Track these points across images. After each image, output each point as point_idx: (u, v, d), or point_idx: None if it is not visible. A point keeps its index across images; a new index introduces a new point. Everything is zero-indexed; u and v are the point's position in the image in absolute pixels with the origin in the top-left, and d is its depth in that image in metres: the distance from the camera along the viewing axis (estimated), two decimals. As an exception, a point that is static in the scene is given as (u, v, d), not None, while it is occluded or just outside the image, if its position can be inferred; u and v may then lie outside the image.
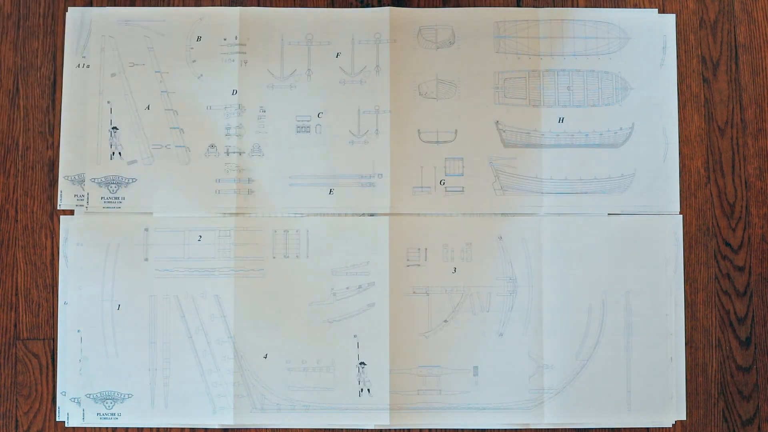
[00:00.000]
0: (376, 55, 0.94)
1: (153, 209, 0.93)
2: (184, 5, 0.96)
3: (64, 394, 0.91)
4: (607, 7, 0.96)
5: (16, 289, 0.93)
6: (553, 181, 0.93)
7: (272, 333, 0.92)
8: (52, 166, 0.94)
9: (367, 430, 0.92)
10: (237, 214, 0.93)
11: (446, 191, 0.93)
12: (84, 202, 0.93)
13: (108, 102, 0.93)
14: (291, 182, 0.93)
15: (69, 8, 0.95)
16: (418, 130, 0.93)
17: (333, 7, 0.96)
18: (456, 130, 0.93)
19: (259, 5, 0.95)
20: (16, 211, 0.94)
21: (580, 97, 0.94)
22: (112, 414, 0.91)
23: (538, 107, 0.94)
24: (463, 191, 0.93)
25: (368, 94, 0.94)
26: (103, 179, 0.93)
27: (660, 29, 0.95)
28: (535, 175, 0.93)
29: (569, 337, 0.92)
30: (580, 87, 0.94)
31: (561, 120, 0.94)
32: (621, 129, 0.94)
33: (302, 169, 0.93)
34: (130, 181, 0.93)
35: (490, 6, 0.96)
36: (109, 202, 0.93)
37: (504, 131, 0.93)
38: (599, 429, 0.92)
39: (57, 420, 0.92)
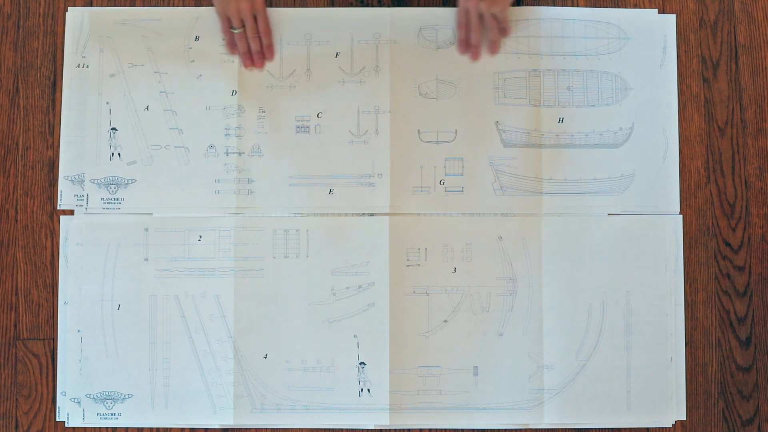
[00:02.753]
0: (376, 55, 0.94)
1: (153, 209, 0.93)
2: (184, 5, 0.95)
3: (64, 394, 0.91)
4: (607, 7, 0.96)
5: (16, 289, 0.93)
6: (553, 182, 0.93)
7: (272, 333, 0.92)
8: (52, 166, 0.94)
9: (367, 430, 0.92)
10: (237, 214, 0.93)
11: (446, 191, 0.93)
12: (84, 203, 0.92)
13: (107, 103, 0.93)
14: (291, 182, 0.93)
15: (69, 8, 0.95)
16: (418, 130, 0.93)
17: (333, 6, 0.95)
18: (456, 130, 0.93)
19: None
20: (16, 211, 0.94)
21: (580, 98, 0.94)
22: (112, 414, 0.91)
23: (538, 107, 0.94)
24: (462, 191, 0.93)
25: (368, 94, 0.94)
26: (103, 180, 0.93)
27: (660, 29, 0.95)
28: (534, 175, 0.93)
29: (569, 337, 0.92)
30: (580, 87, 0.94)
31: (561, 120, 0.93)
32: (621, 129, 0.93)
33: (302, 169, 0.93)
34: (130, 182, 0.93)
35: (490, 6, 0.95)
36: (108, 203, 0.92)
37: (504, 131, 0.93)
38: (599, 429, 0.92)
39: (57, 420, 0.92)
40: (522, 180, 0.93)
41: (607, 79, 0.94)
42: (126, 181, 0.92)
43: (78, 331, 0.91)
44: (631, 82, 0.94)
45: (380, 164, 0.93)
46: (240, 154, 0.93)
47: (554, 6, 0.95)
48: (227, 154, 0.93)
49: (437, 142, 0.93)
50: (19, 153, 0.94)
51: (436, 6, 0.96)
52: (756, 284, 0.94)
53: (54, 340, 0.92)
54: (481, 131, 0.93)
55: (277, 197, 0.93)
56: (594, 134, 0.94)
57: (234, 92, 0.93)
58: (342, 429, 0.92)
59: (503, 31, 0.92)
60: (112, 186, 0.92)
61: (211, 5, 0.95)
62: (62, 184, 0.93)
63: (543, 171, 0.93)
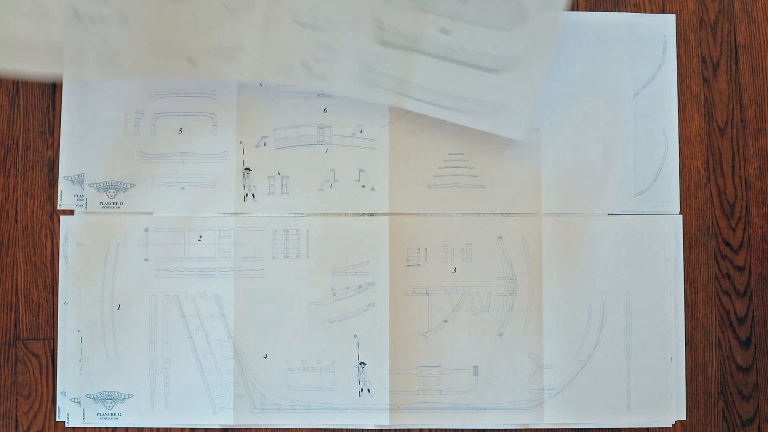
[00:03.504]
0: None
1: (153, 209, 0.93)
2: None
3: (64, 394, 0.91)
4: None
5: (16, 289, 0.93)
6: (417, 88, 0.88)
7: (272, 333, 0.92)
8: (52, 166, 0.94)
9: (367, 430, 0.92)
10: (237, 214, 0.93)
11: (311, 75, 0.87)
12: (83, 203, 0.92)
13: None
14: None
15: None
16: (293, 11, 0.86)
17: None
18: (331, 18, 0.86)
19: None
20: (16, 211, 0.94)
21: (473, 13, 0.87)
22: (112, 414, 0.91)
23: (426, 13, 0.86)
24: (324, 77, 0.87)
25: None
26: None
27: (660, 29, 0.95)
28: (401, 77, 0.88)
29: (569, 337, 0.92)
30: (476, 2, 0.87)
31: (444, 31, 0.87)
32: (505, 57, 0.87)
33: None
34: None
35: None
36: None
37: (383, 30, 0.87)
38: (599, 429, 0.92)
39: (57, 420, 0.92)
40: (388, 79, 0.88)
41: (508, 3, 0.86)
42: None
43: (78, 331, 0.91)
44: (531, 13, 0.86)
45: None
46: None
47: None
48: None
49: (312, 27, 0.86)
50: (19, 153, 0.94)
51: None
52: (756, 284, 0.94)
53: (54, 340, 0.92)
54: (359, 24, 0.87)
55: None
56: (473, 53, 0.87)
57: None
58: (342, 429, 0.92)
59: None
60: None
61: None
62: (62, 184, 0.93)
63: (412, 76, 0.88)
